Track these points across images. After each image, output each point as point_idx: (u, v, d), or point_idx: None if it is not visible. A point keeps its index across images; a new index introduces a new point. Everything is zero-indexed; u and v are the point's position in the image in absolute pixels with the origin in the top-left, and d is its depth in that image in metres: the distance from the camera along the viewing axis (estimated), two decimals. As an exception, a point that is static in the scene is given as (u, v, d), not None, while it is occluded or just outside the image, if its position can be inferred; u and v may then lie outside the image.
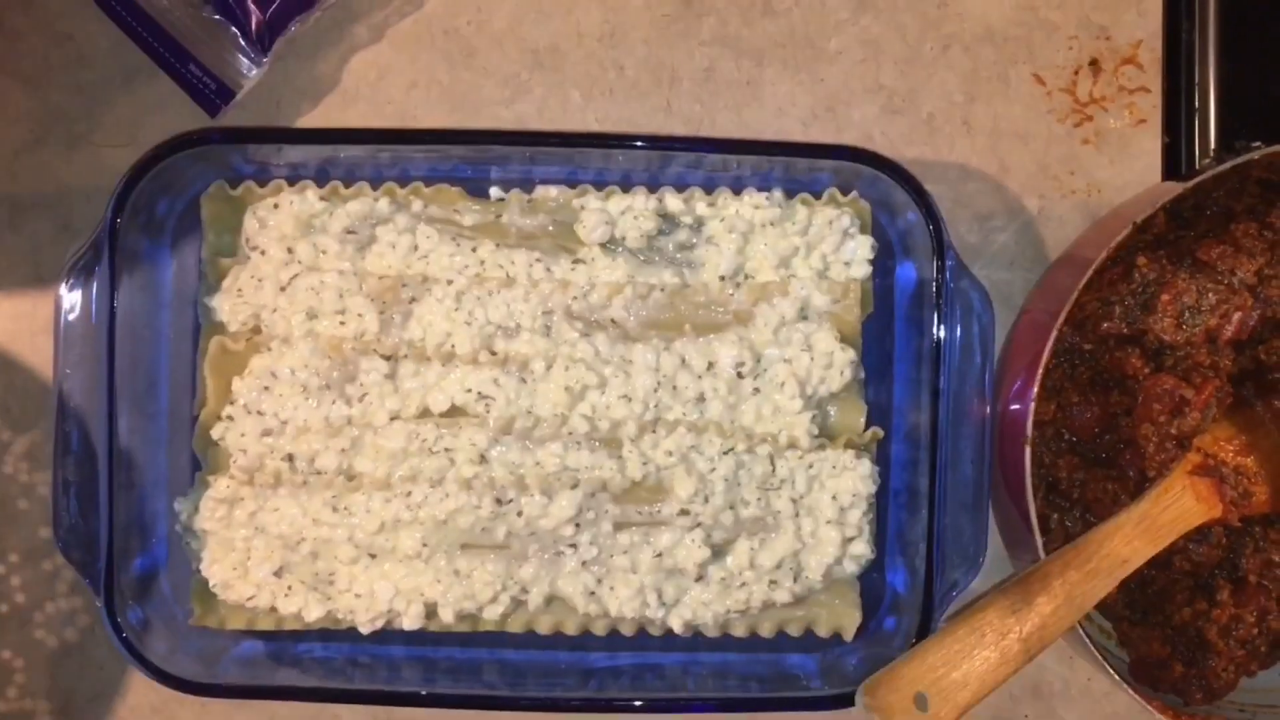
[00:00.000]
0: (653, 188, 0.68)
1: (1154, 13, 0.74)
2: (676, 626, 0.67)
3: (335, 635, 0.68)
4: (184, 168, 0.66)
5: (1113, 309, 0.65)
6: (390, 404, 0.66)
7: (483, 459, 0.66)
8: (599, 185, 0.68)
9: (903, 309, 0.69)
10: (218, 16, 0.69)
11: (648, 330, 0.68)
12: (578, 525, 0.66)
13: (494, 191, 0.69)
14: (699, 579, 0.67)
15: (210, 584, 0.67)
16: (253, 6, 0.69)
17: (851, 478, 0.67)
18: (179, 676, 0.64)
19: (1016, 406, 0.63)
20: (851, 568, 0.68)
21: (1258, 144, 0.65)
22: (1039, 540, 0.61)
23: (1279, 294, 0.64)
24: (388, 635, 0.68)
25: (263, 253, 0.67)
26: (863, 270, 0.68)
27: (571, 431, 0.66)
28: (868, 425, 0.69)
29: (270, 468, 0.67)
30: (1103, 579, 0.60)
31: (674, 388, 0.67)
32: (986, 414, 0.65)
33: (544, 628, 0.67)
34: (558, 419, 0.66)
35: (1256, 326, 0.64)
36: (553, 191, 0.68)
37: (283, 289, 0.67)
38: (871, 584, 0.69)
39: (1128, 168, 0.73)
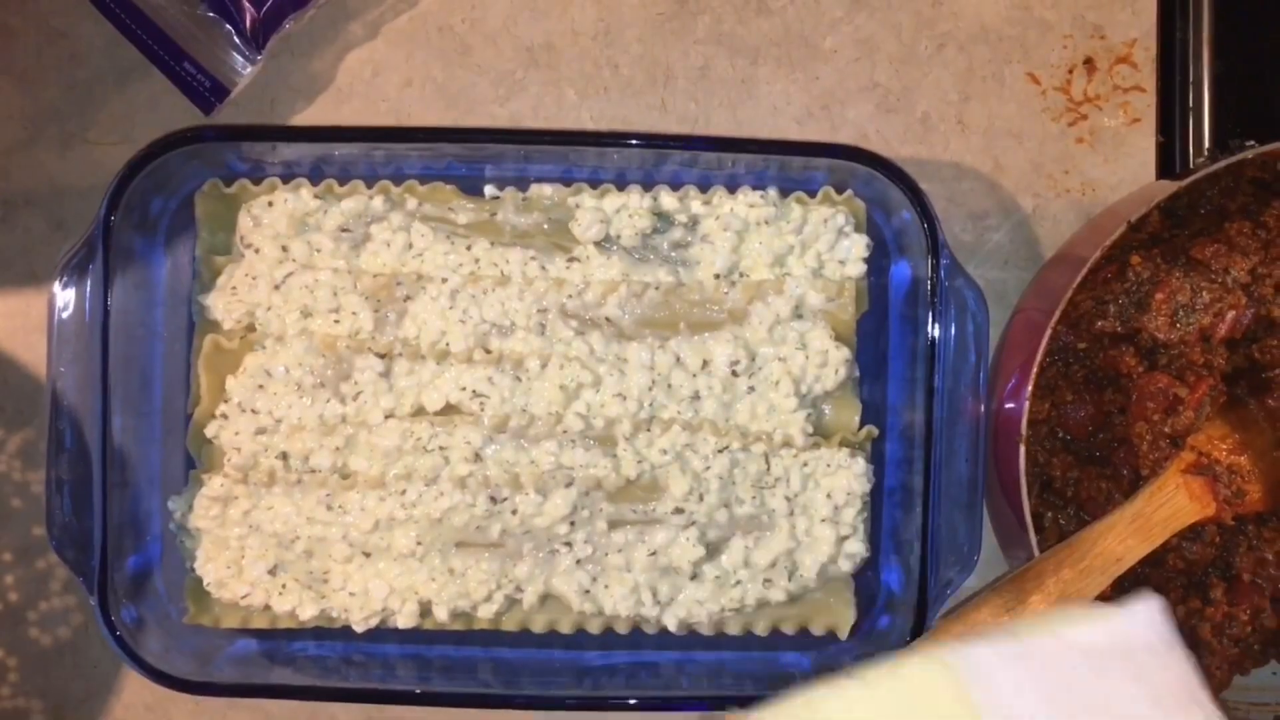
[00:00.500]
0: (648, 186, 0.68)
1: (1148, 12, 0.74)
2: (671, 625, 0.67)
3: (330, 634, 0.68)
4: (178, 165, 0.66)
5: (1107, 308, 0.65)
6: (385, 402, 0.66)
7: (477, 457, 0.66)
8: (594, 183, 0.68)
9: (897, 307, 0.69)
10: (212, 14, 0.69)
11: (642, 328, 0.68)
12: (572, 524, 0.66)
13: (489, 190, 0.69)
14: (694, 577, 0.67)
15: (204, 582, 0.67)
16: (247, 4, 0.69)
17: (846, 476, 0.67)
18: (173, 675, 0.64)
19: (1011, 405, 0.63)
20: (846, 566, 0.68)
21: (1252, 143, 0.65)
22: (1033, 538, 0.61)
23: (1273, 292, 0.64)
24: (382, 634, 0.68)
25: (257, 251, 0.67)
26: (857, 269, 0.68)
27: (566, 430, 0.66)
28: (862, 424, 0.69)
29: (264, 466, 0.67)
30: (1096, 577, 0.60)
31: (669, 386, 0.67)
32: (981, 412, 0.65)
33: (539, 626, 0.67)
34: (552, 417, 0.66)
35: (1250, 325, 0.64)
36: (547, 190, 0.68)
37: (277, 287, 0.67)
38: (866, 582, 0.69)
39: (1122, 166, 0.73)
